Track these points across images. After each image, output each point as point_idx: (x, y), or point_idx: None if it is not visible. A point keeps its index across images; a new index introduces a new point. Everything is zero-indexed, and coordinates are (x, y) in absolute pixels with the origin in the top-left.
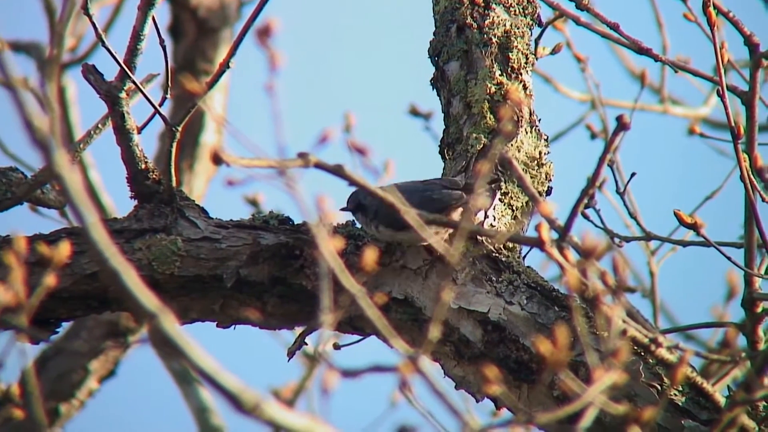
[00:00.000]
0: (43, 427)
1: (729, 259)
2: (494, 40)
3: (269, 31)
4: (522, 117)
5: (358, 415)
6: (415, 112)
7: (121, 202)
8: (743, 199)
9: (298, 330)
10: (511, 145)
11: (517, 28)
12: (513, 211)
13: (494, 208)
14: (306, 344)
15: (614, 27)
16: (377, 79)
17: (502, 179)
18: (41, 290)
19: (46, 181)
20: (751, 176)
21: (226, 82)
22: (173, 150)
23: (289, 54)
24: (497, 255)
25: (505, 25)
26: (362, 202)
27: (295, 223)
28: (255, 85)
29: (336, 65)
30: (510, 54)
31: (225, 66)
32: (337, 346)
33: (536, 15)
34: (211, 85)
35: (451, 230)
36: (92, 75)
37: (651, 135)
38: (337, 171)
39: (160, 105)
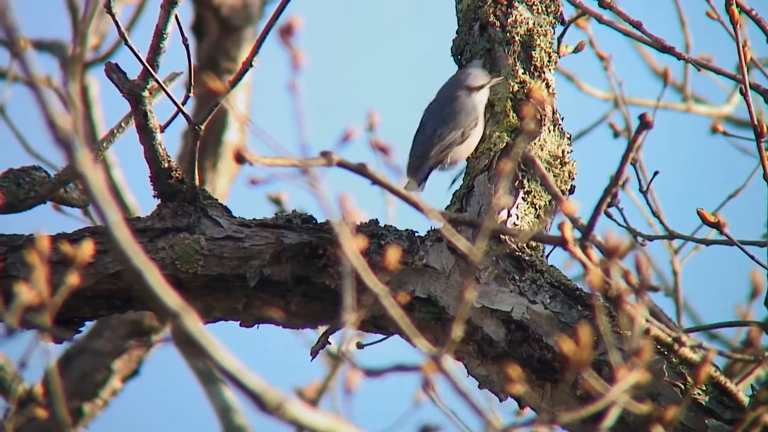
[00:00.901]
0: (67, 426)
1: (752, 257)
2: (517, 38)
3: (292, 29)
4: (545, 115)
5: (381, 414)
6: None
7: (144, 201)
8: (766, 198)
9: (322, 329)
10: (534, 143)
11: (540, 27)
12: (536, 209)
13: (517, 207)
14: (329, 343)
15: (637, 25)
16: (400, 77)
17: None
18: (64, 289)
19: (70, 180)
20: None
21: (249, 80)
22: (196, 149)
23: (312, 52)
24: (520, 254)
25: (528, 23)
26: None
27: (318, 222)
28: (278, 83)
29: (359, 64)
30: (533, 52)
31: (248, 65)
32: (360, 346)
33: (559, 13)
34: (234, 83)
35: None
36: (115, 74)
37: (674, 133)
38: (360, 170)
39: (183, 104)
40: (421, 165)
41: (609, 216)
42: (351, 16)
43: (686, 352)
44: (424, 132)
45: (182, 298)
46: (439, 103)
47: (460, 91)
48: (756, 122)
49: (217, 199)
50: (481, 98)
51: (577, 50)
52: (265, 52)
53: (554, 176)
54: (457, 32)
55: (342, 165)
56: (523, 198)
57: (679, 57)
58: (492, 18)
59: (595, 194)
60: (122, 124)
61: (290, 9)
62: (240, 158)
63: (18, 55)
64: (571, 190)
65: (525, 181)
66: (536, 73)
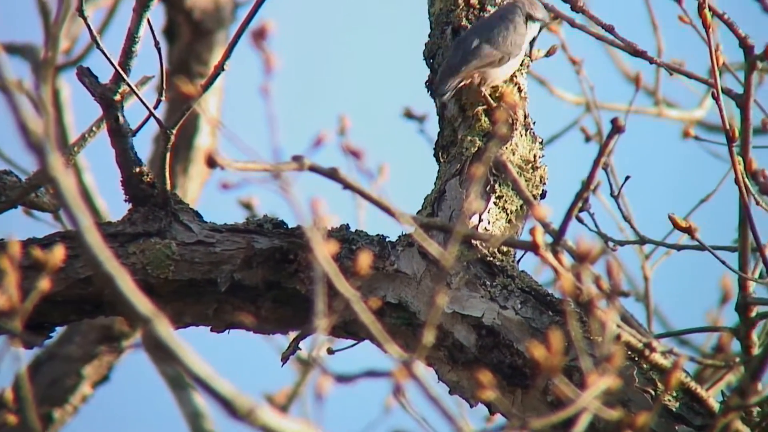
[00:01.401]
0: None
1: (723, 263)
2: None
3: (264, 33)
4: (517, 120)
5: (352, 420)
6: (409, 115)
7: (115, 206)
8: (737, 203)
9: (292, 335)
10: (506, 147)
11: None
12: (507, 214)
13: (488, 212)
14: (300, 349)
15: (609, 29)
16: (372, 81)
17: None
18: (35, 294)
19: (41, 185)
20: (746, 180)
21: (221, 85)
22: (167, 153)
23: (284, 56)
24: (491, 259)
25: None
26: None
27: (290, 227)
28: (250, 87)
29: (330, 67)
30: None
31: (220, 68)
32: (331, 351)
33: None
34: (205, 87)
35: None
36: (87, 77)
37: (645, 138)
38: (332, 174)
39: (155, 108)
40: (452, 74)
41: (580, 221)
42: (322, 20)
43: (657, 357)
44: (465, 43)
45: (153, 304)
46: (489, 20)
47: (517, 16)
48: (727, 127)
49: (188, 204)
50: (533, 31)
51: (549, 54)
52: (237, 56)
53: (526, 181)
54: (429, 36)
55: (313, 169)
56: (494, 203)
57: (650, 61)
58: (464, 22)
59: (567, 199)
60: (93, 128)
61: (262, 12)
62: (212, 162)
63: None
64: (543, 195)
65: (496, 186)
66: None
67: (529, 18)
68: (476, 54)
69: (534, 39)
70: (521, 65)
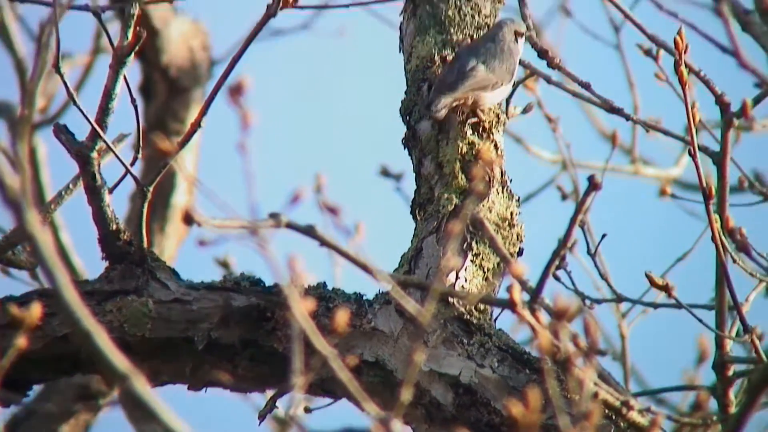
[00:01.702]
0: None
1: (700, 321)
2: None
3: (241, 89)
4: (493, 177)
5: None
6: (386, 173)
7: (91, 265)
8: (714, 261)
9: (270, 393)
10: (483, 205)
11: None
12: (484, 272)
13: (465, 269)
14: (277, 407)
15: (585, 86)
16: (349, 138)
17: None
18: (12, 352)
19: (18, 242)
20: (723, 238)
21: (198, 142)
22: (144, 210)
23: (261, 112)
24: (468, 317)
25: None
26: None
27: (267, 284)
28: (227, 144)
29: (307, 124)
30: (481, 114)
31: (197, 125)
32: (308, 410)
33: None
34: (182, 144)
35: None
36: (63, 134)
37: (622, 196)
38: (309, 232)
39: (132, 165)
40: (447, 92)
41: (557, 279)
42: (298, 77)
43: (634, 416)
44: (460, 63)
45: (130, 361)
46: (484, 41)
47: (508, 38)
48: (704, 184)
49: (165, 262)
50: (521, 48)
51: (525, 111)
52: (214, 112)
53: (503, 238)
54: (405, 92)
55: (291, 227)
56: (471, 260)
57: (627, 118)
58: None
59: (544, 257)
60: (70, 186)
61: (239, 68)
62: (188, 219)
63: None
64: (520, 253)
65: (473, 243)
66: (485, 134)
67: (517, 35)
68: (473, 75)
69: (510, 96)
70: (498, 122)
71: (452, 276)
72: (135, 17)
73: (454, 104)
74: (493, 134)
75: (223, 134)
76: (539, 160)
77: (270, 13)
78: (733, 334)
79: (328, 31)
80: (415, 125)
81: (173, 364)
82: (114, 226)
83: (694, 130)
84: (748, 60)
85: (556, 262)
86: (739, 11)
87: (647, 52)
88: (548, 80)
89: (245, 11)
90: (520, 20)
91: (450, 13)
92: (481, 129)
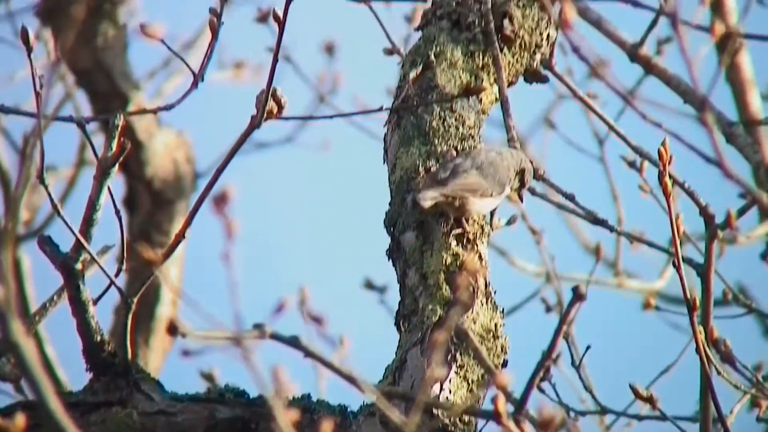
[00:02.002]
0: None
1: None
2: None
3: (226, 198)
4: (478, 288)
5: None
6: (370, 286)
7: (75, 379)
8: (699, 373)
9: None
10: (467, 316)
11: None
12: (469, 383)
13: (450, 381)
14: None
15: (570, 198)
16: (333, 249)
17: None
18: None
19: (2, 354)
20: (707, 349)
21: (182, 254)
22: (128, 321)
23: (245, 222)
24: (453, 428)
25: None
26: None
27: (251, 396)
28: (211, 255)
29: (291, 236)
30: (466, 224)
31: (181, 236)
32: None
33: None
34: (167, 254)
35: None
36: (47, 246)
37: (606, 309)
38: (293, 343)
39: (116, 276)
40: (437, 186)
41: (542, 390)
42: (283, 188)
43: None
44: (456, 163)
45: None
46: (486, 152)
47: (512, 165)
48: (688, 296)
49: (149, 373)
50: (515, 184)
51: (509, 223)
52: (199, 224)
53: (487, 350)
54: (389, 204)
55: (275, 338)
56: (455, 372)
57: (611, 230)
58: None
59: (528, 368)
60: (54, 298)
61: (224, 180)
62: (173, 330)
63: None
64: (504, 364)
65: (458, 355)
66: (469, 246)
67: (519, 174)
68: (465, 176)
69: (494, 209)
70: (482, 233)
71: (437, 387)
72: (119, 128)
73: (441, 200)
74: (477, 245)
75: (207, 245)
76: (524, 273)
77: (254, 124)
78: None
79: (313, 144)
80: (400, 236)
81: None
82: (98, 338)
83: (678, 242)
84: (732, 170)
85: (541, 374)
86: (724, 123)
87: (631, 164)
88: (532, 192)
89: (230, 122)
90: (535, 165)
91: (434, 124)
92: (465, 240)
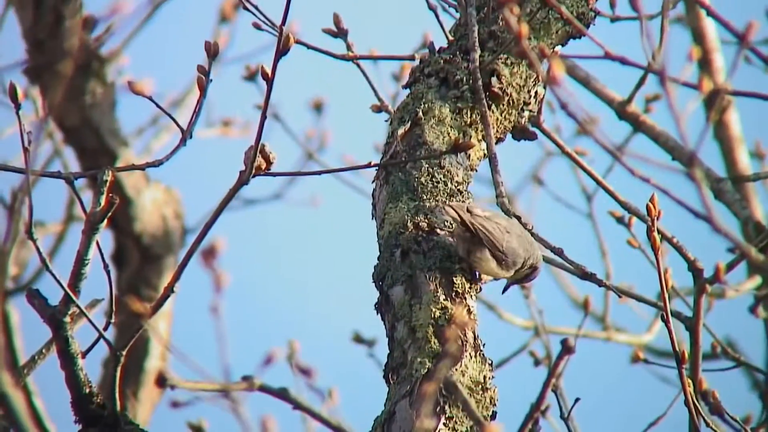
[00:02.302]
0: None
1: None
2: (438, 265)
3: (215, 252)
4: (467, 341)
5: None
6: (359, 340)
7: (65, 430)
8: (688, 426)
9: None
10: (456, 369)
11: None
12: None
13: None
14: None
15: (558, 252)
16: (322, 303)
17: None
18: None
19: None
20: (696, 402)
21: (170, 309)
22: (117, 374)
23: (233, 276)
24: None
25: (449, 250)
26: None
27: None
28: (199, 309)
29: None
30: (454, 278)
31: (170, 289)
32: None
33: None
34: (156, 308)
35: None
36: (36, 299)
37: (594, 362)
38: (282, 394)
39: (105, 330)
40: (466, 212)
41: None
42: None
43: None
44: (498, 218)
45: None
46: (519, 227)
47: (531, 254)
48: (677, 349)
49: (138, 425)
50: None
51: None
52: (187, 279)
53: (476, 402)
54: (378, 258)
55: (264, 389)
56: (444, 423)
57: (599, 284)
58: (414, 245)
59: (517, 421)
60: (43, 351)
61: (212, 235)
62: (162, 381)
63: None
64: (493, 416)
65: (447, 407)
66: (458, 299)
67: (530, 270)
68: (494, 226)
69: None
70: (471, 288)
71: None
72: (107, 184)
73: (460, 218)
74: (466, 299)
75: (195, 299)
76: (512, 326)
77: (242, 179)
78: None
79: (301, 200)
80: (388, 290)
81: None
82: (87, 389)
83: (666, 296)
84: (721, 224)
85: (530, 426)
86: (712, 179)
87: (619, 220)
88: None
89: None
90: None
91: (422, 179)
92: (454, 294)
